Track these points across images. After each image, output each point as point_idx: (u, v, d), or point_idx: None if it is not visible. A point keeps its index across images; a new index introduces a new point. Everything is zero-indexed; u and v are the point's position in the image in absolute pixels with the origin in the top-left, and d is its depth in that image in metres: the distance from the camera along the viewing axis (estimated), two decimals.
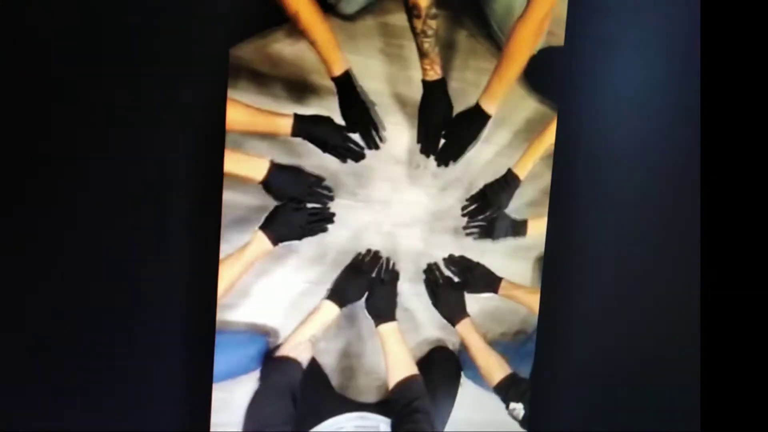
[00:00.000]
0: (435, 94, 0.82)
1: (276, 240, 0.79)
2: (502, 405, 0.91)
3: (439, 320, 0.88)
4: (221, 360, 0.78)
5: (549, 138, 0.87)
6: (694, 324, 0.98)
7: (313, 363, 0.82)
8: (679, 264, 0.97)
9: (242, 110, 0.75)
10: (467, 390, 0.89)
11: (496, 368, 0.89)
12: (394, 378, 0.85)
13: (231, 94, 0.74)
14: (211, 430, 0.78)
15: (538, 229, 0.89)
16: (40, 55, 0.69)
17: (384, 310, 0.85)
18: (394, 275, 0.85)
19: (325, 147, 0.79)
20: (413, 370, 0.86)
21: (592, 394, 0.97)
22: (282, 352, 0.81)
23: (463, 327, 0.88)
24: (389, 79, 0.81)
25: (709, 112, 0.67)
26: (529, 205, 0.89)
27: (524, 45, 0.84)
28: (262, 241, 0.78)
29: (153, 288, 0.77)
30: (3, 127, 0.69)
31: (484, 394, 0.90)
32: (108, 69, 0.71)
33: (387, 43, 0.80)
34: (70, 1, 0.69)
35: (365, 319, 0.84)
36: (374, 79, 0.80)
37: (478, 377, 0.90)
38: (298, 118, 0.77)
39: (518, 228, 0.89)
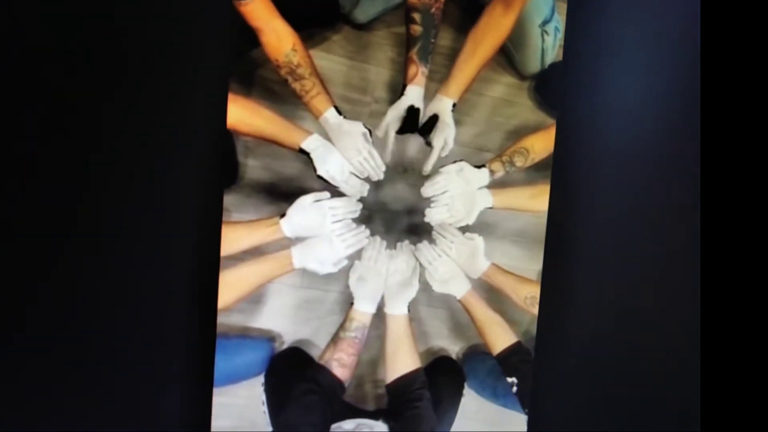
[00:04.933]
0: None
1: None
2: (506, 416, 0.90)
3: (445, 330, 0.87)
4: (224, 364, 0.77)
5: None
6: (694, 324, 0.98)
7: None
8: (679, 267, 0.97)
9: (253, 112, 0.76)
10: (470, 401, 0.89)
11: (500, 336, 0.88)
12: (396, 371, 0.84)
13: (236, 95, 0.75)
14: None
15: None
16: (39, 59, 0.70)
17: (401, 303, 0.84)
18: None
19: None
20: (417, 363, 0.85)
21: (591, 394, 0.97)
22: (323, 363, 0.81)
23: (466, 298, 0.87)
24: (400, 88, 0.81)
25: (709, 115, 0.68)
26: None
27: (489, 29, 0.82)
28: (288, 259, 0.79)
29: (154, 290, 0.77)
30: (3, 127, 0.69)
31: (488, 406, 0.89)
32: (108, 70, 0.72)
33: (399, 53, 0.81)
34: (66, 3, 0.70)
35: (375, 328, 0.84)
36: (385, 88, 0.81)
37: (481, 388, 0.89)
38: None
39: None
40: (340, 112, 0.78)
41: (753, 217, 0.64)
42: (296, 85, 0.76)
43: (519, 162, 0.86)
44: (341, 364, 0.81)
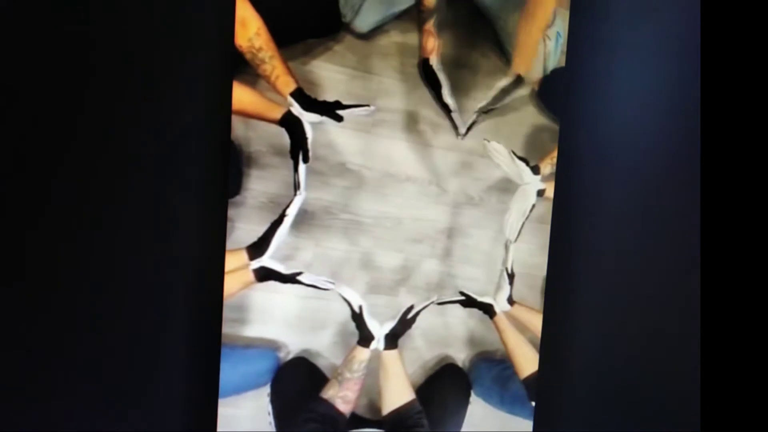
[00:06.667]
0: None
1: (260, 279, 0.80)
2: (512, 422, 0.90)
3: (450, 338, 0.87)
4: (229, 375, 0.77)
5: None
6: (694, 326, 0.98)
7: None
8: (680, 269, 0.98)
9: (248, 92, 0.76)
10: (476, 408, 0.89)
11: (528, 361, 0.91)
12: (392, 404, 0.86)
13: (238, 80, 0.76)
14: None
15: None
16: (39, 52, 0.70)
17: (395, 339, 0.86)
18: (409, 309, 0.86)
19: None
20: (411, 395, 0.86)
21: (592, 395, 0.97)
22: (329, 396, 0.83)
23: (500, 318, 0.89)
24: (403, 98, 0.81)
25: (709, 119, 0.68)
26: None
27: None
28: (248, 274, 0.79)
29: (159, 299, 0.77)
30: (4, 126, 0.69)
31: (493, 413, 0.89)
32: (108, 68, 0.72)
33: (402, 63, 0.81)
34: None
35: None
36: (389, 98, 0.81)
37: (487, 395, 0.89)
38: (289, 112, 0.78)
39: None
40: (304, 94, 0.78)
41: (753, 219, 0.64)
42: (260, 70, 0.77)
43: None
44: (346, 401, 0.83)
